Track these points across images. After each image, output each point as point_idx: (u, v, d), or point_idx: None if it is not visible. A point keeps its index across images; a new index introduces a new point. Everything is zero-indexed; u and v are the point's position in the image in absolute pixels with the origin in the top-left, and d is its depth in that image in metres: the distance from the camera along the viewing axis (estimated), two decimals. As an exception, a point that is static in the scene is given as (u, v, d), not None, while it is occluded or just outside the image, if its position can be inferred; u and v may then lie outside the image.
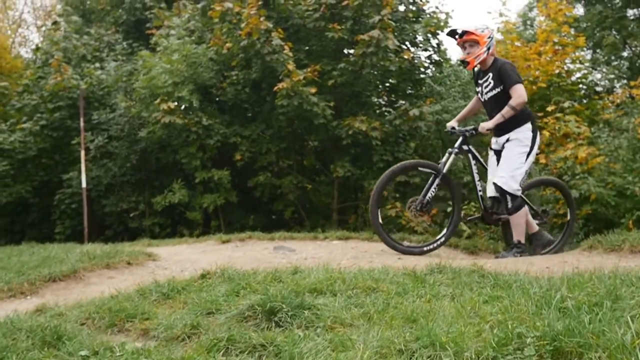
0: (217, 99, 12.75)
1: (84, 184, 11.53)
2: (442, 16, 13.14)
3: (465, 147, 6.05)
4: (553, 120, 10.39)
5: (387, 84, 13.25)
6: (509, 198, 5.69)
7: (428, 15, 13.37)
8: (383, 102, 13.81)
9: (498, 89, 5.73)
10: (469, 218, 6.49)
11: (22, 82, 14.71)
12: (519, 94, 5.59)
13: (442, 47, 13.55)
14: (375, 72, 12.04)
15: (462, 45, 5.81)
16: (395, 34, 11.95)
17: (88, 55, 14.77)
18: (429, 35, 13.02)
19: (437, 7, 13.68)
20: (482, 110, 6.47)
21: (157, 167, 13.26)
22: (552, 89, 11.37)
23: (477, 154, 6.14)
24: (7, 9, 25.24)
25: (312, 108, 11.03)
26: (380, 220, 5.74)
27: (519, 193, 5.73)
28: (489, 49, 5.71)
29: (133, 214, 12.82)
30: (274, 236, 7.11)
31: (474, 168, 6.14)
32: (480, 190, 6.13)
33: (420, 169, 6.17)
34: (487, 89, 5.84)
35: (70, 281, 4.53)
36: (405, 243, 6.23)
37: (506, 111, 5.61)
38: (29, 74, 14.78)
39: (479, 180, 6.15)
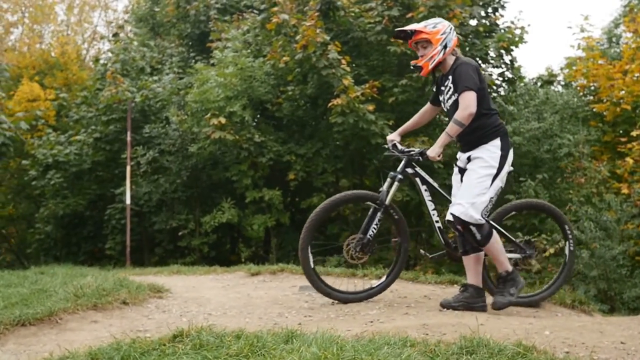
0: (273, 115, 12.16)
1: (128, 201, 11.11)
2: (517, 31, 12.20)
3: (410, 170, 4.91)
4: (638, 146, 9.31)
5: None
6: (473, 229, 4.53)
7: (502, 30, 12.44)
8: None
9: (456, 96, 4.63)
10: (431, 256, 5.14)
11: (81, 94, 14.57)
12: (465, 104, 4.42)
13: (516, 64, 12.58)
14: (440, 90, 11.16)
15: (416, 48, 4.76)
16: (467, 48, 11.09)
17: (146, 67, 14.48)
18: (502, 51, 12.06)
19: (512, 22, 12.64)
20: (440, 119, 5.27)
21: (208, 184, 12.77)
22: (638, 111, 10.23)
23: (427, 177, 4.97)
24: (83, 21, 25.63)
25: (369, 127, 10.28)
26: (312, 264, 4.76)
27: (483, 221, 4.58)
28: (445, 47, 4.61)
29: (182, 232, 12.32)
30: (308, 271, 6.36)
31: (426, 195, 4.98)
32: (437, 222, 4.97)
33: (354, 202, 5.14)
34: (448, 95, 4.76)
35: (42, 326, 3.90)
36: (345, 289, 5.06)
37: (450, 128, 4.50)
38: (89, 86, 14.64)
39: (434, 210, 4.96)
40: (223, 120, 10.80)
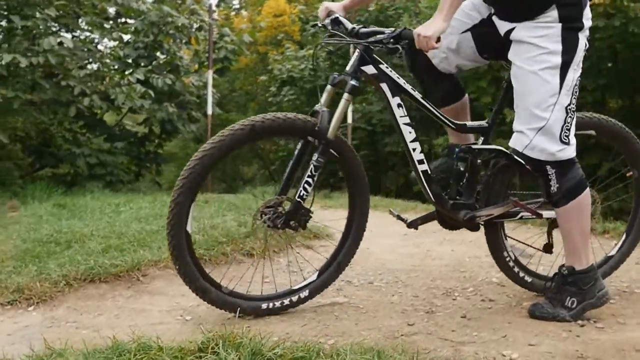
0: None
1: (349, 120, 10.34)
2: None
3: (371, 70, 2.68)
4: None
5: None
6: (549, 170, 2.60)
7: None
8: None
9: None
10: (410, 220, 2.91)
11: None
12: None
13: None
14: None
15: None
16: None
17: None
18: None
19: None
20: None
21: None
22: None
23: (401, 81, 2.73)
24: None
25: (642, 31, 8.06)
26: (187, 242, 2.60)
27: (569, 153, 2.58)
28: None
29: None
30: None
31: (399, 113, 2.75)
32: (421, 162, 2.80)
33: (278, 137, 2.77)
34: None
35: (117, 283, 3.04)
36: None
37: None
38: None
39: (414, 141, 2.80)
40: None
